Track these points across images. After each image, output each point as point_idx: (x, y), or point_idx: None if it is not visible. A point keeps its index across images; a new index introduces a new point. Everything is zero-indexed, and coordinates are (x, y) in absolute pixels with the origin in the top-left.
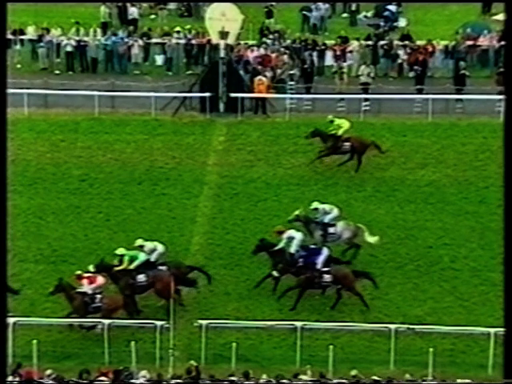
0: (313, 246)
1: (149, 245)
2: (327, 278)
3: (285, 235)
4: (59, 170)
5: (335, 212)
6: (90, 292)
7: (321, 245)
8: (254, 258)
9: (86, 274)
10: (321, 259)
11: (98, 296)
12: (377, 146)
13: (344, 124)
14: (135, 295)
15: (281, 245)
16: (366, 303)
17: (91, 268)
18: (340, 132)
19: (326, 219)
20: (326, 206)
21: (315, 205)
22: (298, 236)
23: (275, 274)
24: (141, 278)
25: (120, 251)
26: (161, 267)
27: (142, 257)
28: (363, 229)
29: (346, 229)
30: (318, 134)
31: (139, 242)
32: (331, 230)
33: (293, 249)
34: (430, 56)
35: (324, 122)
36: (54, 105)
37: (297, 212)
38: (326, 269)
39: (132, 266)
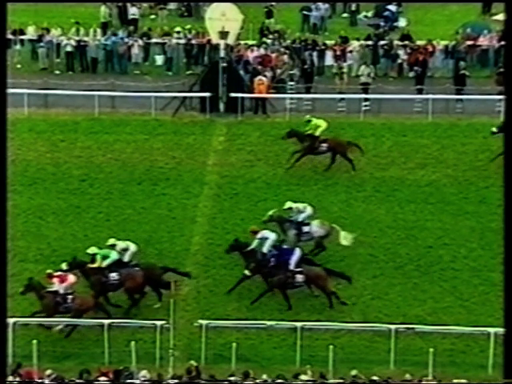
0: (285, 247)
1: (121, 244)
2: (300, 278)
3: (258, 235)
4: (59, 170)
5: (309, 211)
6: (61, 292)
7: (295, 244)
8: None
9: (57, 273)
10: (293, 259)
11: (70, 296)
12: (355, 145)
13: (321, 124)
14: (106, 293)
15: (253, 245)
16: (343, 302)
17: (64, 266)
18: (317, 132)
19: (300, 218)
20: (300, 205)
21: (289, 204)
22: (272, 236)
23: (247, 272)
24: (113, 276)
25: (92, 250)
26: (134, 268)
27: (113, 255)
28: (337, 229)
29: (320, 228)
30: (294, 134)
31: (111, 241)
32: (305, 228)
33: (265, 249)
34: (430, 56)
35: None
36: (53, 105)
37: (270, 212)
38: (298, 269)
39: (104, 265)
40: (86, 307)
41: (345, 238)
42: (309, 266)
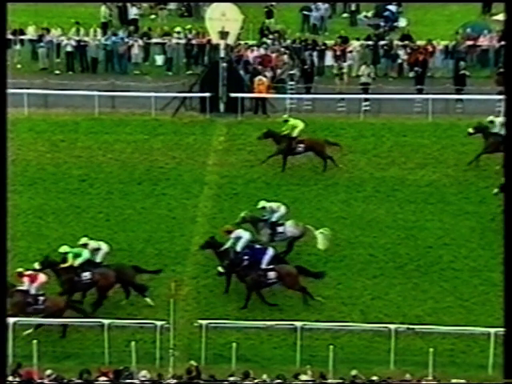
0: (258, 246)
1: (93, 244)
2: (272, 275)
3: (233, 235)
4: (59, 170)
5: (282, 210)
6: (33, 292)
7: (268, 243)
8: None
9: (28, 272)
10: (266, 259)
11: (41, 298)
12: (332, 143)
13: (299, 124)
14: (77, 292)
15: (228, 245)
16: (306, 300)
17: (36, 265)
18: (294, 133)
19: (274, 218)
20: (274, 205)
21: (262, 203)
22: (246, 236)
23: (220, 269)
24: (85, 275)
25: (63, 249)
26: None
27: (85, 254)
28: (311, 229)
29: (294, 228)
30: (270, 134)
31: (83, 240)
32: (280, 229)
33: (239, 248)
34: (430, 56)
35: (327, 122)
36: (54, 105)
37: (242, 214)
38: (269, 266)
39: (76, 264)
40: (56, 309)
41: (322, 243)
42: (281, 264)
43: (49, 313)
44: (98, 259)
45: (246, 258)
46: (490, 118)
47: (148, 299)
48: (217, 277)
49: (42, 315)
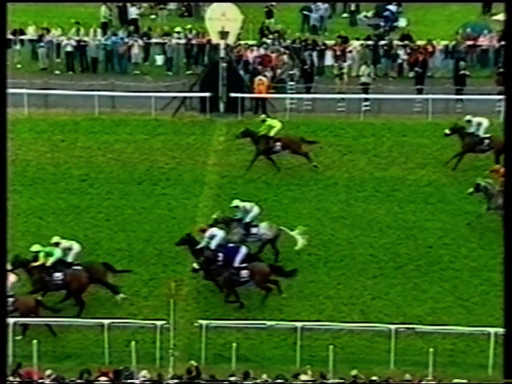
0: (231, 245)
1: (65, 243)
2: (244, 273)
3: (207, 234)
4: (59, 170)
5: (255, 210)
6: None
7: (241, 244)
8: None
9: None
10: (238, 258)
11: (10, 299)
12: (309, 141)
13: (276, 124)
14: (48, 292)
15: (203, 243)
16: (264, 301)
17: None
18: (272, 133)
19: (248, 218)
20: (247, 204)
21: (236, 203)
22: (220, 234)
23: (195, 265)
24: (57, 275)
25: (35, 248)
26: (76, 267)
27: (57, 253)
28: (285, 229)
29: (268, 230)
30: (248, 134)
31: (55, 239)
32: (253, 230)
33: (213, 246)
34: (430, 56)
35: (327, 122)
36: (54, 105)
37: (214, 216)
38: (242, 265)
39: (48, 263)
40: (26, 308)
41: (299, 243)
42: (254, 262)
43: (20, 313)
44: (70, 259)
45: (220, 257)
46: (468, 117)
47: (120, 296)
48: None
49: (12, 315)
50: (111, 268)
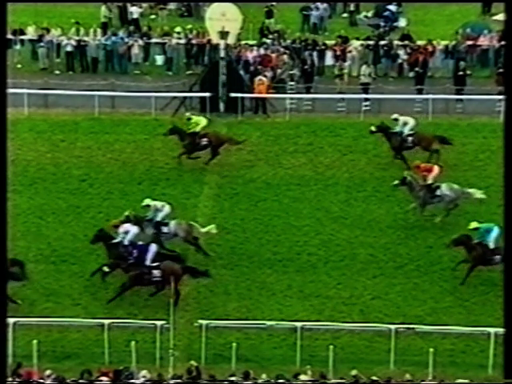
0: (141, 243)
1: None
2: (156, 273)
3: (121, 229)
4: (59, 170)
5: (167, 209)
6: None
7: (151, 243)
8: (254, 258)
9: None
10: (149, 256)
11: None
12: (235, 141)
13: (201, 121)
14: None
15: (118, 239)
16: (177, 302)
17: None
18: (198, 129)
19: (159, 217)
20: (158, 203)
21: (147, 201)
22: (134, 230)
23: (105, 269)
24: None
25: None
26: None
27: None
28: (195, 225)
29: (178, 227)
30: (175, 131)
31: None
32: (165, 229)
33: (126, 241)
34: (430, 56)
35: (327, 122)
36: (53, 105)
37: (126, 213)
38: (155, 264)
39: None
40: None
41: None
42: (167, 262)
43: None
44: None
45: (131, 256)
46: (395, 115)
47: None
48: (217, 277)
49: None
50: (17, 263)
